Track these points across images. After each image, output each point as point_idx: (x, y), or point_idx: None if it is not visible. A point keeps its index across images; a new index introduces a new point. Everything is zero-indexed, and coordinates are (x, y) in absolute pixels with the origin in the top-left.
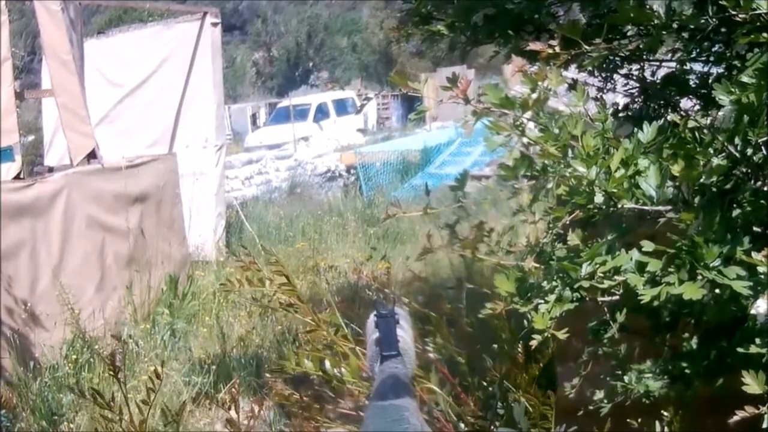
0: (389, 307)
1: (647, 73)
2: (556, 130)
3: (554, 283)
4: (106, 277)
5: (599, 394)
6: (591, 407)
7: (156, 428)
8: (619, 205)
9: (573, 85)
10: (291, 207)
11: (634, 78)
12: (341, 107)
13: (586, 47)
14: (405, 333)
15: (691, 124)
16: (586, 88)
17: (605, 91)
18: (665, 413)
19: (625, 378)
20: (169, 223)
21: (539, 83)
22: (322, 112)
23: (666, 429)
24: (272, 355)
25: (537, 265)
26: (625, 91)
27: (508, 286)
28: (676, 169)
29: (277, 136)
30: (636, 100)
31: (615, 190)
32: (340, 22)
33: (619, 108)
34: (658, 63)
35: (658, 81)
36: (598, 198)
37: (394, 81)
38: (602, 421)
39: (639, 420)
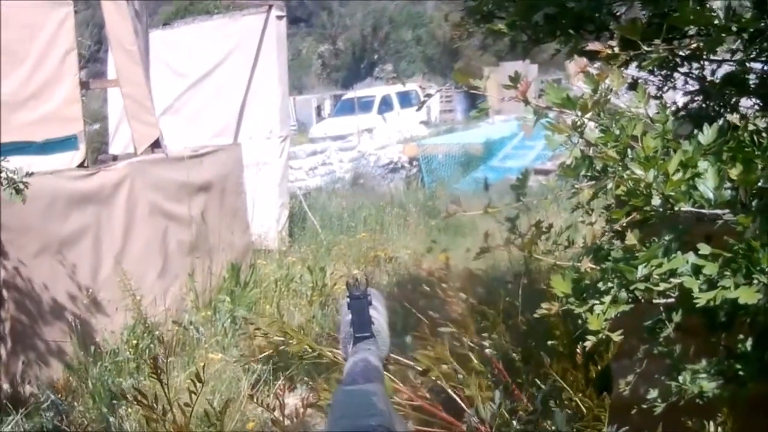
0: (362, 288)
1: (707, 72)
2: (617, 131)
3: (610, 284)
4: (168, 264)
5: (653, 393)
6: (644, 406)
7: (201, 425)
8: (676, 208)
9: (633, 85)
10: (353, 198)
11: (694, 77)
12: (405, 100)
13: (645, 48)
14: (378, 314)
15: (750, 127)
16: (646, 88)
17: (665, 89)
18: (719, 414)
19: (680, 378)
20: (233, 212)
21: (601, 83)
22: (386, 104)
23: (720, 429)
24: (332, 344)
25: (593, 267)
26: (684, 91)
27: (564, 286)
28: (734, 172)
29: (342, 128)
30: (695, 99)
31: (672, 193)
32: (405, 15)
33: (679, 107)
34: (718, 62)
35: (717, 80)
36: (656, 200)
37: (456, 78)
38: (655, 420)
39: (692, 420)
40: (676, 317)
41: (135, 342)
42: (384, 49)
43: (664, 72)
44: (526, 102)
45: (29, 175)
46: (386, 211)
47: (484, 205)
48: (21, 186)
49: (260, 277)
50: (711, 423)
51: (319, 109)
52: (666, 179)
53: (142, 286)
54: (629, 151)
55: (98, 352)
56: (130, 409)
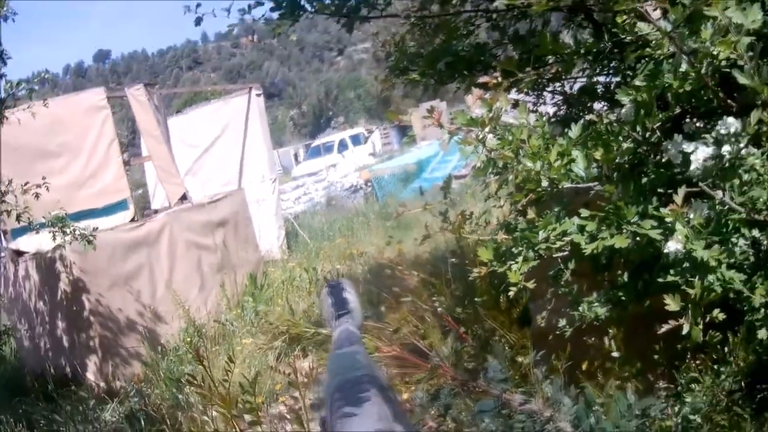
0: (337, 279)
1: (567, 88)
2: (510, 138)
3: (520, 248)
4: (205, 281)
5: (562, 322)
6: (557, 332)
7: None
8: (560, 186)
9: (516, 104)
10: (329, 215)
11: (559, 92)
12: (356, 140)
13: (521, 75)
14: (351, 296)
15: (605, 121)
16: (527, 105)
17: (539, 104)
18: (610, 330)
19: (579, 308)
20: (245, 238)
21: (493, 106)
22: (343, 145)
23: (612, 342)
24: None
25: (506, 237)
26: (552, 103)
27: (487, 254)
28: (597, 154)
29: (314, 167)
30: (561, 108)
31: (555, 176)
32: (347, 81)
33: (551, 116)
34: (574, 79)
35: (575, 93)
36: (544, 183)
37: (388, 117)
38: (566, 341)
39: (592, 338)
40: (571, 265)
41: (188, 339)
42: (336, 107)
43: (536, 92)
44: (441, 126)
45: (95, 230)
46: (354, 221)
47: (422, 205)
48: (91, 239)
49: (271, 280)
50: (606, 338)
51: (296, 156)
52: (549, 167)
53: (188, 299)
54: (520, 150)
55: (164, 350)
56: (192, 389)
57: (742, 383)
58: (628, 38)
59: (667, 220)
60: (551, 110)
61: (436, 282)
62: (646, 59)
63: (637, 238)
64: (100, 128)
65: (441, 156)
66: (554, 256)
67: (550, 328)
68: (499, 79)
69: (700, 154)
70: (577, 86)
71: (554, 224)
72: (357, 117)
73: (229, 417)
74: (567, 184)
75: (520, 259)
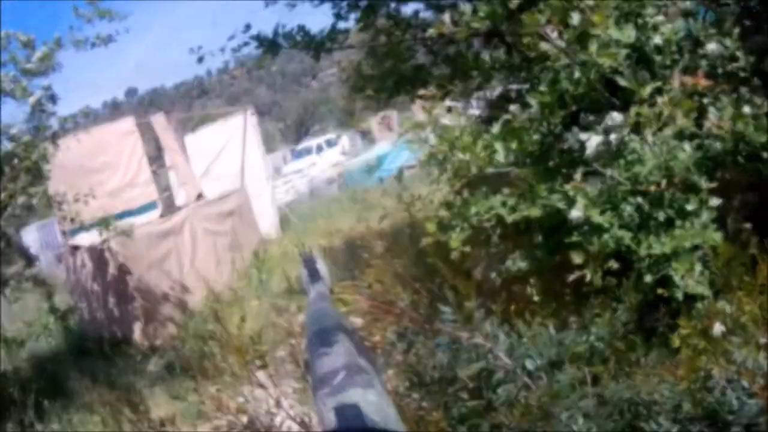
0: (309, 253)
1: (488, 95)
2: (446, 136)
3: (457, 222)
4: (220, 259)
5: (494, 275)
6: (492, 283)
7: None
8: (485, 171)
9: (450, 110)
10: (311, 202)
11: (482, 99)
12: (330, 143)
13: (450, 87)
14: (321, 267)
15: (519, 119)
16: (458, 109)
17: (467, 109)
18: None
19: (507, 263)
20: (248, 224)
21: (431, 112)
22: (319, 148)
23: (534, 290)
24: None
25: (446, 213)
26: (477, 107)
27: (432, 227)
28: (513, 145)
29: (298, 166)
30: (485, 111)
31: (481, 164)
32: (320, 98)
33: (477, 117)
34: (493, 88)
35: (495, 98)
36: (473, 169)
37: (352, 125)
38: (497, 290)
39: (518, 287)
40: (498, 231)
41: (209, 305)
42: (312, 119)
43: (465, 100)
44: (391, 130)
45: (132, 225)
46: (331, 206)
47: (381, 191)
48: (129, 233)
49: (270, 255)
50: (528, 287)
51: (284, 158)
52: (476, 157)
53: (207, 274)
54: (455, 145)
55: (191, 314)
56: (215, 342)
57: (635, 316)
58: (533, 54)
59: (570, 193)
60: (477, 113)
61: (397, 249)
62: (548, 70)
63: (548, 209)
64: (132, 148)
65: (395, 152)
66: (484, 226)
67: (486, 280)
68: (435, 91)
69: (593, 142)
70: (496, 93)
71: (483, 201)
72: (329, 125)
73: (243, 363)
74: (491, 170)
75: (458, 230)
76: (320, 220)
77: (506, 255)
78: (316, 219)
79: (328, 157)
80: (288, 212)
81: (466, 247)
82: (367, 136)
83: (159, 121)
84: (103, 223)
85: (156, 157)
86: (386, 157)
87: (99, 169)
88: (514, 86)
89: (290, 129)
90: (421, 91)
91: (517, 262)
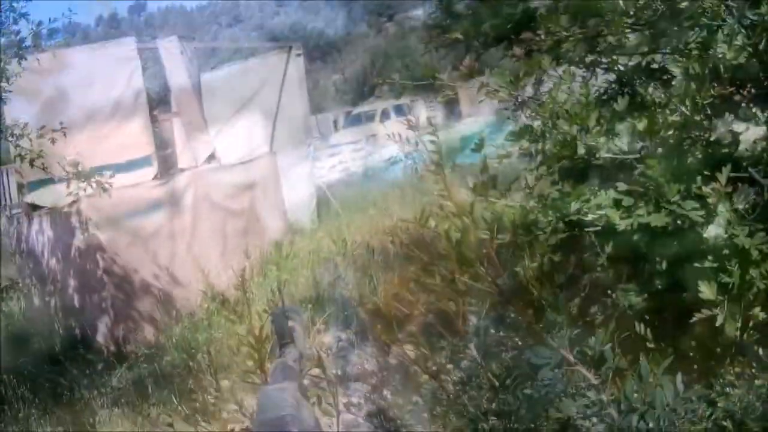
0: (281, 305)
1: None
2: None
3: (550, 218)
4: (228, 246)
5: (594, 309)
6: (588, 319)
7: None
8: (598, 156)
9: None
10: (364, 186)
11: (611, 70)
12: (399, 110)
13: (565, 34)
14: (296, 323)
15: (652, 93)
16: (571, 71)
17: (588, 79)
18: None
19: (615, 294)
20: (273, 203)
21: (534, 67)
22: (385, 115)
23: (644, 328)
24: (354, 294)
25: (536, 204)
26: (604, 81)
27: (512, 219)
28: (640, 125)
29: (353, 135)
30: (612, 87)
31: (593, 143)
32: (395, 49)
33: (601, 92)
34: (628, 57)
35: (629, 69)
36: (581, 150)
37: (425, 74)
38: (596, 327)
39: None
40: (608, 249)
41: (206, 306)
42: (380, 73)
43: (589, 68)
44: (471, 75)
45: (112, 176)
46: (389, 194)
47: (459, 182)
48: (106, 186)
49: (297, 249)
50: (640, 325)
51: (335, 123)
52: (587, 132)
53: (208, 264)
54: (557, 114)
55: (179, 315)
56: (206, 356)
57: None
58: (683, 3)
59: (710, 201)
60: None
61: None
62: (701, 28)
63: (677, 219)
64: (128, 79)
65: (487, 133)
66: (586, 230)
67: (583, 314)
68: (543, 38)
69: (750, 135)
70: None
71: (588, 195)
72: (402, 87)
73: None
74: (606, 155)
75: (548, 229)
76: (372, 211)
77: (616, 283)
78: (367, 209)
79: (395, 128)
80: (330, 195)
81: (555, 256)
82: (452, 109)
83: (169, 48)
84: (77, 174)
85: (159, 97)
86: (473, 139)
87: (80, 103)
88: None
89: (349, 84)
90: (524, 35)
91: (630, 296)
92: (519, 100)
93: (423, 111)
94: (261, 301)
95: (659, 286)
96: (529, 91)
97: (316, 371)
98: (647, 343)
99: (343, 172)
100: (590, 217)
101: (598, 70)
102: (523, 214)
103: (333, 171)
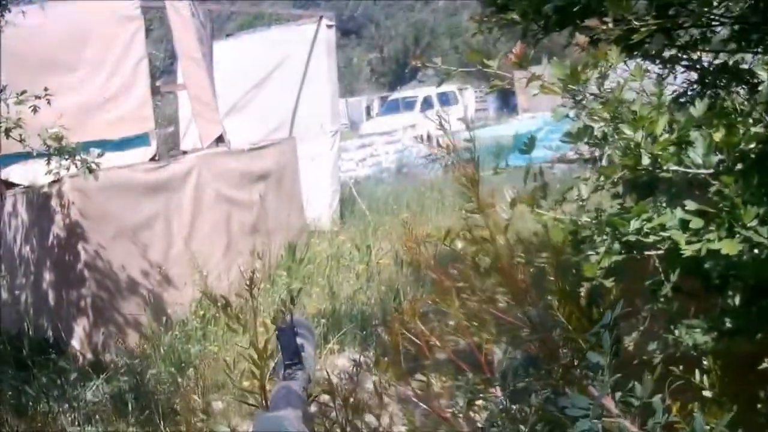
0: (288, 319)
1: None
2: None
3: (604, 237)
4: (232, 244)
5: (652, 346)
6: (645, 357)
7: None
8: (666, 168)
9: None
10: (398, 184)
11: (693, 68)
12: (444, 99)
13: (636, 24)
14: (305, 341)
15: (735, 99)
16: (642, 68)
17: (665, 77)
18: (705, 363)
19: (676, 332)
20: (289, 198)
21: (600, 58)
22: (427, 104)
23: (705, 378)
24: (377, 311)
25: (589, 219)
26: (684, 80)
27: (559, 236)
28: (717, 135)
29: (388, 125)
30: (693, 87)
31: (660, 153)
32: (443, 26)
33: (679, 93)
34: (714, 53)
35: (712, 68)
36: (645, 160)
37: (469, 58)
38: (654, 370)
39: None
40: (674, 277)
41: (202, 313)
42: (426, 55)
43: (667, 65)
44: (521, 65)
45: (100, 155)
46: (426, 196)
47: (510, 187)
48: (93, 166)
49: (314, 254)
50: (698, 372)
51: (368, 109)
52: (654, 140)
53: (208, 264)
54: (621, 116)
55: (169, 322)
56: (197, 372)
57: None
58: None
59: None
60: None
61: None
62: None
63: (756, 250)
64: (129, 42)
65: (545, 132)
66: (646, 253)
67: (639, 351)
68: (610, 25)
69: None
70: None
71: (651, 213)
72: (445, 72)
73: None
74: (676, 168)
75: (602, 249)
76: (405, 215)
77: (680, 317)
78: (398, 212)
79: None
80: (356, 193)
81: (607, 281)
82: (507, 101)
83: (179, 9)
84: (60, 150)
85: (166, 68)
86: (528, 137)
87: (71, 66)
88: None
89: (387, 65)
90: (589, 22)
91: (695, 333)
92: (577, 96)
93: (472, 102)
94: (267, 312)
95: (730, 325)
96: (591, 86)
97: (325, 398)
98: (705, 392)
99: (374, 167)
100: (651, 238)
101: (677, 67)
102: (572, 229)
103: (362, 165)
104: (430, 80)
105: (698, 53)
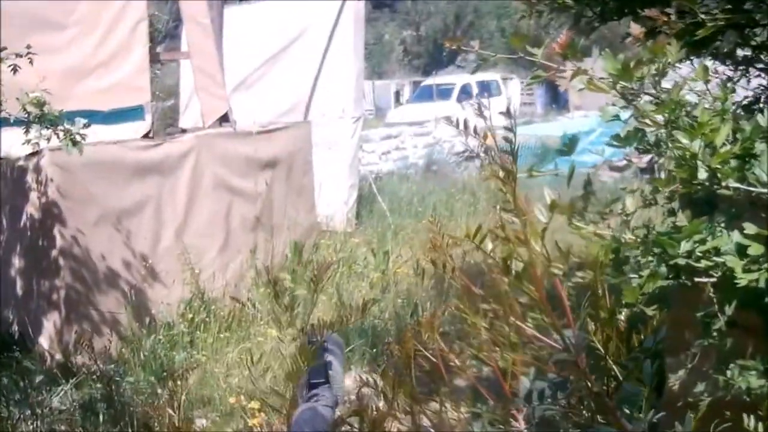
0: (317, 334)
1: None
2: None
3: (650, 258)
4: (231, 239)
5: (700, 386)
6: (690, 399)
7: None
8: (726, 184)
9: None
10: (425, 183)
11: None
12: (485, 88)
13: (703, 16)
14: (335, 358)
15: None
16: (706, 67)
17: (736, 80)
18: (760, 410)
19: (728, 372)
20: (299, 190)
21: (658, 53)
22: (465, 92)
23: (759, 425)
24: (391, 327)
25: (634, 238)
26: (758, 85)
27: (599, 253)
28: None
29: (419, 114)
30: (766, 92)
31: (719, 167)
32: (489, 5)
33: (751, 100)
34: None
35: None
36: (702, 174)
37: (512, 43)
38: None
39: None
40: (729, 310)
41: (191, 316)
42: (467, 37)
43: (741, 66)
44: (564, 56)
45: (87, 126)
46: (456, 198)
47: (551, 190)
48: (78, 138)
49: (324, 255)
50: (751, 417)
51: (397, 94)
52: (714, 151)
53: (202, 260)
54: (677, 121)
55: (153, 324)
56: (180, 382)
57: None
58: None
59: None
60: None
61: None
62: None
63: None
64: (126, 3)
65: (598, 134)
66: (696, 280)
67: (685, 392)
68: (673, 17)
69: None
70: None
71: (704, 235)
72: (483, 58)
73: None
74: (736, 185)
75: (646, 272)
76: (431, 218)
77: (734, 356)
78: (423, 214)
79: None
80: (376, 190)
81: (649, 309)
82: (557, 96)
83: None
84: (41, 117)
85: (168, 32)
86: (580, 139)
87: (56, 24)
88: None
89: (423, 44)
90: (648, 12)
91: (750, 376)
92: (629, 95)
93: (517, 94)
94: (264, 320)
95: None
96: (647, 85)
97: (353, 420)
98: None
99: (400, 161)
100: (703, 263)
101: (751, 70)
102: (614, 247)
103: (386, 158)
104: (470, 66)
105: None
